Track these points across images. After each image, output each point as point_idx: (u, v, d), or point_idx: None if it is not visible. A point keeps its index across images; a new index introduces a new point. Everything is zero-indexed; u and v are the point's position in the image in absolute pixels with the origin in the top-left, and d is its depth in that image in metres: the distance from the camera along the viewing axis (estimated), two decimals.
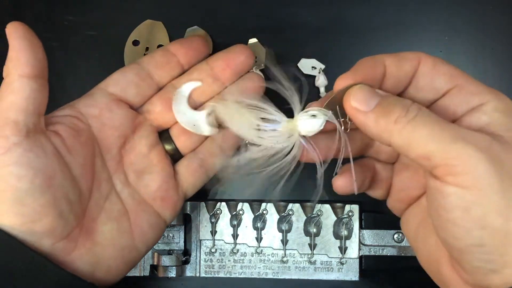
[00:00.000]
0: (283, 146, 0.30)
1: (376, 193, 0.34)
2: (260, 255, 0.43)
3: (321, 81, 0.42)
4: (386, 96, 0.27)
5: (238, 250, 0.43)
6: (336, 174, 0.32)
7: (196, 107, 0.36)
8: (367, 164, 0.33)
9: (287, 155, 0.30)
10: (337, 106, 0.29)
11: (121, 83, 0.34)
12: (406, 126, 0.25)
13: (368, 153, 0.34)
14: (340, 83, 0.28)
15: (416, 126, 0.25)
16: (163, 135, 0.36)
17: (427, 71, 0.28)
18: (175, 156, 0.36)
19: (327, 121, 0.30)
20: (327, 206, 0.43)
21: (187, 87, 0.35)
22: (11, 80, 0.28)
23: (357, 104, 0.27)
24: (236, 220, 0.43)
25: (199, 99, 0.36)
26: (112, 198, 0.33)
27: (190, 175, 0.36)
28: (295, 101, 0.30)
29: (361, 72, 0.28)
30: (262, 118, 0.30)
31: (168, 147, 0.36)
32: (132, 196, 0.34)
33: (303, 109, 0.31)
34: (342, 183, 0.32)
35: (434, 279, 0.30)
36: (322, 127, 0.29)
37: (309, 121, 0.29)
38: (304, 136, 0.30)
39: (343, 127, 0.30)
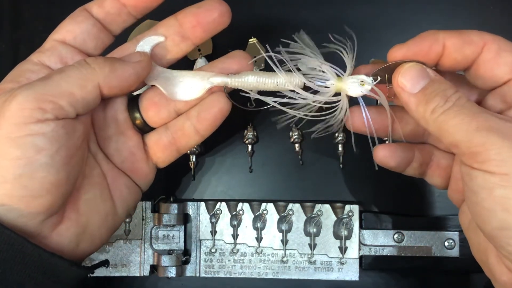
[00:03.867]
0: (325, 100, 0.31)
1: (434, 180, 0.34)
2: (260, 255, 0.43)
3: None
4: (432, 82, 0.28)
5: (238, 250, 0.43)
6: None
7: (163, 66, 0.33)
8: (423, 148, 0.33)
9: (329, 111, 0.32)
10: (386, 75, 0.30)
11: (78, 34, 0.32)
12: (439, 117, 0.26)
13: (429, 140, 0.34)
14: (393, 53, 0.29)
15: (447, 116, 0.26)
16: (131, 104, 0.33)
17: (490, 59, 0.28)
18: (144, 128, 0.34)
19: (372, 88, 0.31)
20: (327, 206, 0.43)
21: (147, 41, 0.32)
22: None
23: (404, 83, 0.28)
24: (236, 220, 0.43)
25: (165, 57, 0.33)
26: (90, 161, 0.31)
27: (159, 151, 0.34)
28: (347, 63, 0.31)
29: (416, 48, 0.29)
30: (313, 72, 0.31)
31: (134, 117, 0.33)
32: (106, 160, 0.33)
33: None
34: (383, 154, 0.32)
35: (484, 269, 0.30)
36: (366, 93, 0.31)
37: (356, 86, 0.30)
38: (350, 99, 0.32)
39: (388, 94, 0.31)
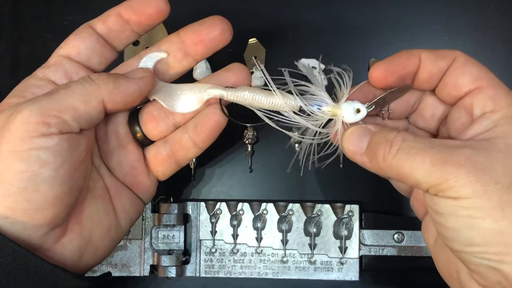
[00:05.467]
0: (317, 124, 0.32)
1: (399, 185, 0.34)
2: (260, 255, 0.43)
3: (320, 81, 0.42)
4: (373, 135, 0.29)
5: (238, 250, 0.43)
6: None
7: (165, 82, 0.34)
8: None
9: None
10: (386, 98, 0.31)
11: (82, 49, 0.32)
12: (392, 163, 0.27)
13: None
14: (374, 72, 0.30)
15: (400, 160, 0.27)
16: (132, 118, 0.34)
17: (456, 69, 0.29)
18: (144, 141, 0.34)
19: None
20: (327, 206, 0.43)
21: (150, 58, 0.33)
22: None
23: (351, 149, 0.30)
24: (236, 220, 0.43)
25: (167, 73, 0.34)
26: (94, 175, 0.32)
27: (158, 164, 0.34)
28: (343, 89, 0.32)
29: (395, 62, 0.30)
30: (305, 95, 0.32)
31: (134, 130, 0.34)
32: (109, 174, 0.33)
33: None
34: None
35: (454, 286, 0.30)
36: (360, 121, 0.32)
37: (351, 113, 0.31)
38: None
39: (384, 117, 0.33)
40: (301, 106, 0.31)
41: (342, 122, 0.31)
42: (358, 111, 0.31)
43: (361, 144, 0.29)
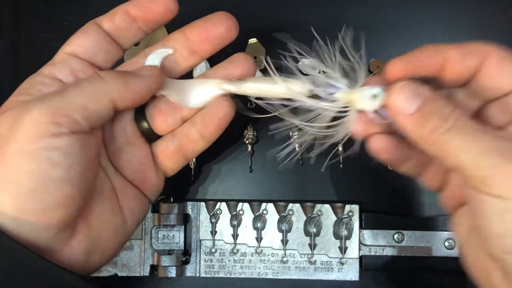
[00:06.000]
0: (332, 110, 0.29)
1: (430, 182, 0.32)
2: (260, 255, 0.43)
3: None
4: (428, 100, 0.26)
5: (238, 250, 0.43)
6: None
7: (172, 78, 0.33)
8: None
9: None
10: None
11: (88, 47, 0.32)
12: (441, 138, 0.25)
13: None
14: (392, 68, 0.28)
15: (449, 137, 0.25)
16: (138, 113, 0.34)
17: (491, 69, 0.27)
18: (151, 136, 0.34)
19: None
20: (327, 206, 0.43)
21: (156, 55, 0.33)
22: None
23: (398, 104, 0.27)
24: (236, 220, 0.43)
25: (174, 70, 0.33)
26: (101, 175, 0.31)
27: (166, 159, 0.34)
28: (359, 75, 0.29)
29: (416, 60, 0.27)
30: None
31: (142, 126, 0.33)
32: (116, 174, 0.33)
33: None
34: (378, 145, 0.29)
35: (482, 282, 0.28)
36: (377, 107, 0.29)
37: (367, 99, 0.28)
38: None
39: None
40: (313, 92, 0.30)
41: (357, 110, 0.29)
42: (374, 97, 0.28)
43: (411, 104, 0.26)
